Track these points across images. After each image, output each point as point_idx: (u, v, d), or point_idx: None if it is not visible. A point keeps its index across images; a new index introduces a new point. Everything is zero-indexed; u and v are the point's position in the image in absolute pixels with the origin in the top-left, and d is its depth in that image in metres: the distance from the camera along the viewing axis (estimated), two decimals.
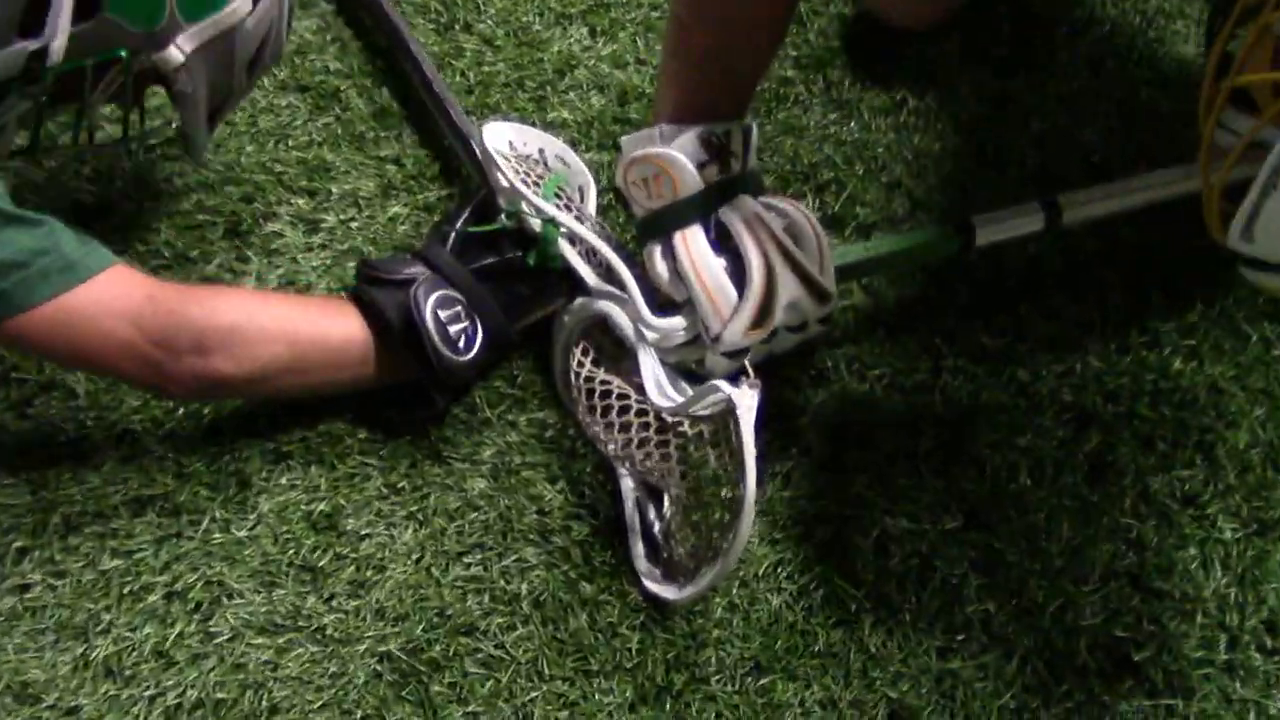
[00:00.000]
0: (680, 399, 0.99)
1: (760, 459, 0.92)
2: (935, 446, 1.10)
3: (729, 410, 0.93)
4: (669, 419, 1.02)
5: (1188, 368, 1.15)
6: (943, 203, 1.24)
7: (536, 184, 1.11)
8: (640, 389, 1.03)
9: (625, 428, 1.03)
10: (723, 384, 0.93)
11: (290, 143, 1.29)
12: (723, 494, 0.98)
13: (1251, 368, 1.15)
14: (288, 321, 1.02)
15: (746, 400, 0.92)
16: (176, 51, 0.98)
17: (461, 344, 1.04)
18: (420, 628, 1.02)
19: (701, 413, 0.98)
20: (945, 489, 1.08)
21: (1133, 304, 1.18)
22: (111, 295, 0.95)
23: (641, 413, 1.03)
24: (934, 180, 1.26)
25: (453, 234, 1.09)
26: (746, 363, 0.99)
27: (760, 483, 1.05)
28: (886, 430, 1.11)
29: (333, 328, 1.05)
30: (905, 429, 1.11)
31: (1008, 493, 1.08)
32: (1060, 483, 1.09)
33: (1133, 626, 1.02)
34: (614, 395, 1.04)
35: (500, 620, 1.03)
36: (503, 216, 1.09)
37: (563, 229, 1.07)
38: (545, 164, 1.16)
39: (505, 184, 1.08)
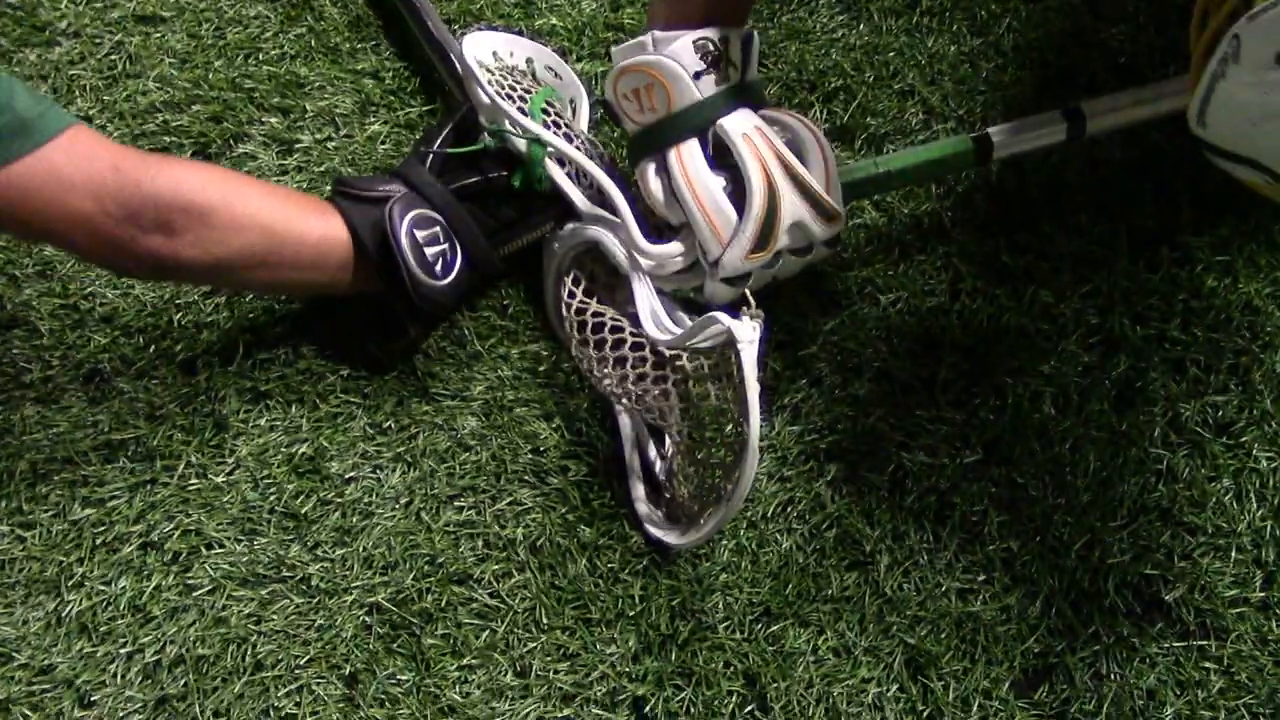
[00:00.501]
0: (678, 331, 0.93)
1: (764, 394, 0.86)
2: (953, 375, 1.04)
3: (729, 343, 0.86)
4: (667, 353, 0.95)
5: (1221, 285, 1.08)
6: (959, 110, 1.16)
7: (523, 98, 1.03)
8: (636, 320, 0.96)
9: (621, 362, 0.97)
10: (722, 315, 0.86)
11: (260, 57, 1.21)
12: (725, 431, 0.92)
13: None
14: (265, 210, 0.93)
15: (747, 332, 0.85)
16: None
17: (439, 268, 0.97)
18: (411, 577, 0.97)
19: (701, 345, 0.91)
20: (964, 420, 1.02)
21: (1162, 217, 1.11)
22: (71, 163, 0.85)
23: (637, 346, 0.97)
24: (950, 86, 1.18)
25: (431, 155, 1.01)
26: (747, 291, 0.92)
27: (764, 419, 1.00)
28: (901, 358, 1.05)
29: (312, 224, 0.96)
30: (921, 356, 1.05)
31: (1031, 423, 1.02)
32: (1086, 411, 1.02)
33: (1163, 564, 0.97)
34: (608, 328, 0.98)
35: (495, 567, 0.97)
36: (485, 136, 1.01)
37: (549, 148, 0.99)
38: (533, 76, 1.08)
39: (486, 100, 1.00)
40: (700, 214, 0.93)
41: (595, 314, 0.99)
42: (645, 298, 0.97)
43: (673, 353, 0.95)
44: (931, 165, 1.05)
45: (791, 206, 0.93)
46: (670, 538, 0.95)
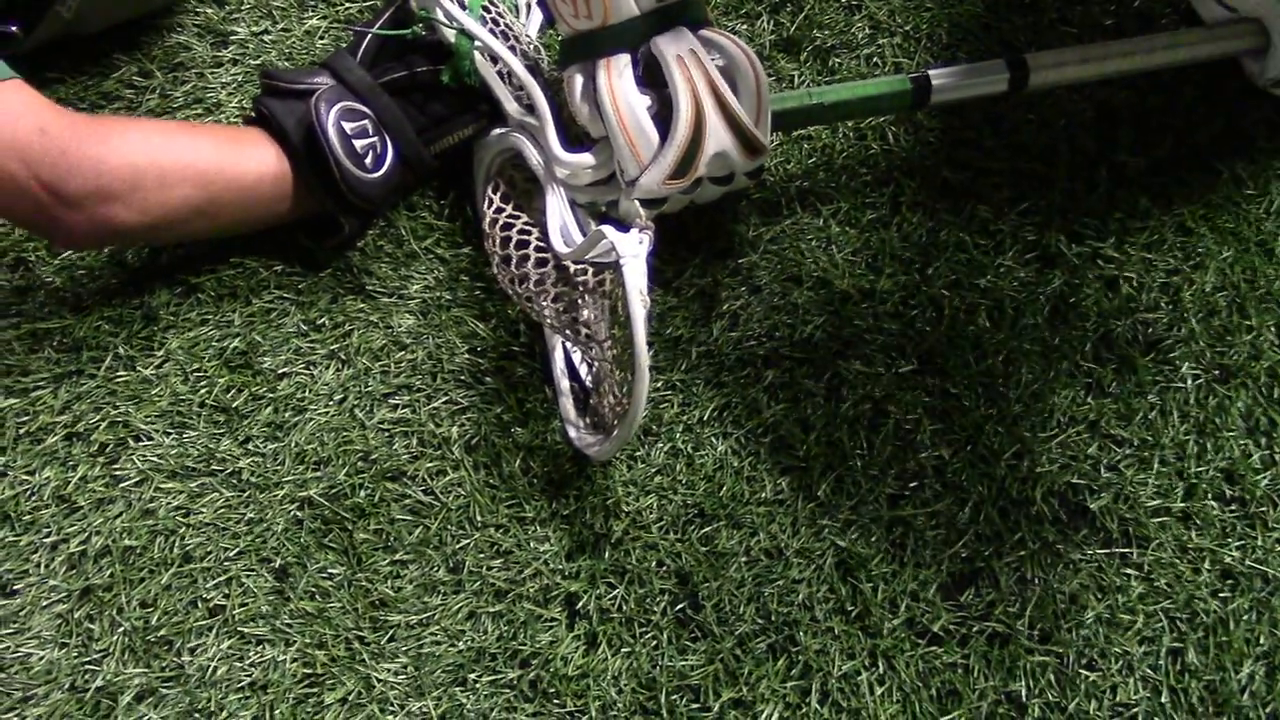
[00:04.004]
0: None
1: (649, 315, 0.84)
2: (891, 286, 1.04)
3: (617, 258, 0.84)
4: (571, 267, 0.93)
5: (1156, 206, 1.09)
6: (905, 26, 1.16)
7: None
8: (547, 232, 0.95)
9: (525, 278, 0.94)
10: (608, 229, 0.85)
11: None
12: (624, 348, 0.90)
13: (1221, 206, 1.10)
14: (197, 159, 0.92)
15: (632, 246, 0.83)
16: None
17: (369, 160, 0.95)
18: (344, 472, 0.96)
19: (597, 260, 0.90)
20: (900, 331, 1.03)
21: (1102, 138, 1.12)
22: None
23: (542, 262, 0.94)
24: (897, 2, 1.18)
25: (361, 42, 0.99)
26: (638, 203, 0.91)
27: (652, 342, 1.01)
28: (840, 268, 1.05)
29: (246, 162, 0.94)
30: (860, 267, 1.05)
31: (965, 335, 1.03)
32: (1020, 325, 1.04)
33: (1089, 474, 0.99)
34: (514, 242, 0.95)
35: (429, 465, 0.97)
36: (418, 25, 0.99)
37: (477, 43, 0.97)
38: None
39: None
40: (621, 133, 0.91)
41: (507, 224, 0.97)
42: (557, 210, 0.95)
43: (576, 267, 0.93)
44: (866, 102, 1.03)
45: (717, 137, 0.91)
46: (591, 449, 0.94)
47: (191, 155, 0.92)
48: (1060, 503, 0.98)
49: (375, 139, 0.96)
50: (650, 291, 0.84)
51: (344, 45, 1.04)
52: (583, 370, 0.99)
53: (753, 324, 1.03)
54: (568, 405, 0.97)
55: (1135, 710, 0.92)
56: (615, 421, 0.91)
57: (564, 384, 0.99)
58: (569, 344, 0.98)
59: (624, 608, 0.93)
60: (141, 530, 0.93)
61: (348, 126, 0.94)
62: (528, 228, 0.97)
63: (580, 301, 0.94)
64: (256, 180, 0.95)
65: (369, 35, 1.00)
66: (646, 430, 0.99)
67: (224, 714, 0.89)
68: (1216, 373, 1.03)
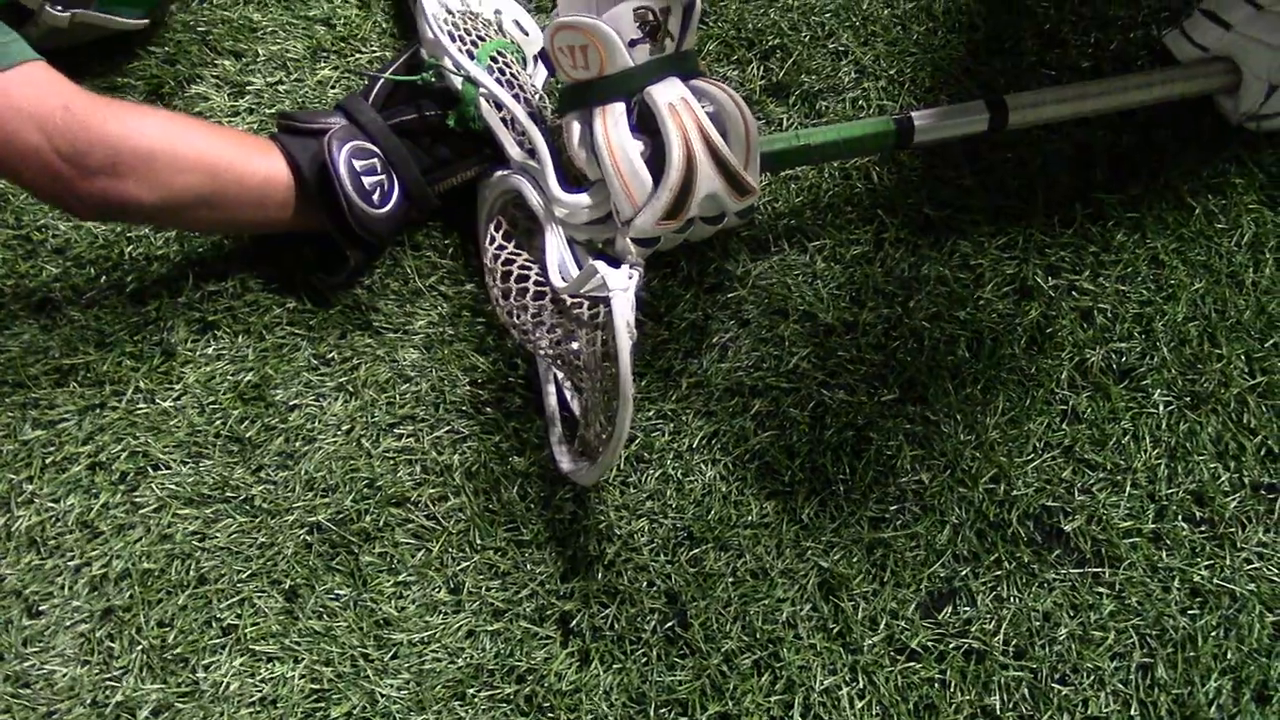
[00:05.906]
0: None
1: (636, 346, 0.89)
2: (874, 319, 1.09)
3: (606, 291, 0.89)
4: (567, 300, 0.98)
5: (1130, 240, 1.13)
6: (890, 70, 1.21)
7: (475, 44, 1.07)
8: (545, 269, 1.00)
9: (525, 310, 0.99)
10: (599, 264, 0.90)
11: (215, 1, 1.24)
12: (610, 377, 0.95)
13: (1194, 240, 1.14)
14: (209, 152, 0.98)
15: (620, 280, 0.88)
16: None
17: (377, 197, 1.02)
18: (350, 499, 1.01)
19: (591, 294, 0.95)
20: (883, 361, 1.07)
21: (1078, 175, 1.16)
22: (24, 94, 0.89)
23: (540, 295, 0.99)
24: (882, 48, 1.23)
25: (374, 86, 1.06)
26: (630, 240, 0.97)
27: (638, 370, 1.05)
28: (825, 302, 1.10)
29: (255, 165, 1.00)
30: (845, 301, 1.10)
31: (945, 365, 1.07)
32: (998, 355, 1.08)
33: (1064, 497, 1.03)
34: (515, 276, 1.00)
35: (432, 491, 1.02)
36: (427, 72, 1.05)
37: (482, 90, 1.03)
38: (499, 27, 1.12)
39: (430, 35, 1.04)
40: (616, 177, 0.95)
41: (508, 260, 1.02)
42: (555, 247, 1.01)
43: (571, 301, 0.98)
44: (852, 143, 1.09)
45: (708, 180, 0.95)
46: (578, 474, 0.99)
47: (205, 146, 0.98)
48: (1035, 524, 1.02)
49: (383, 176, 1.02)
50: (640, 324, 0.89)
51: (357, 90, 1.10)
52: (574, 405, 1.03)
53: (741, 356, 1.08)
54: (557, 434, 1.02)
55: None
56: (600, 448, 0.96)
57: (555, 414, 1.04)
58: (560, 374, 1.03)
59: (615, 626, 0.98)
60: (160, 554, 0.99)
61: (358, 164, 1.01)
62: (527, 264, 1.02)
63: (574, 334, 0.99)
64: (263, 183, 1.01)
65: (381, 80, 1.06)
66: (638, 457, 1.03)
67: None
68: (1187, 399, 1.07)
